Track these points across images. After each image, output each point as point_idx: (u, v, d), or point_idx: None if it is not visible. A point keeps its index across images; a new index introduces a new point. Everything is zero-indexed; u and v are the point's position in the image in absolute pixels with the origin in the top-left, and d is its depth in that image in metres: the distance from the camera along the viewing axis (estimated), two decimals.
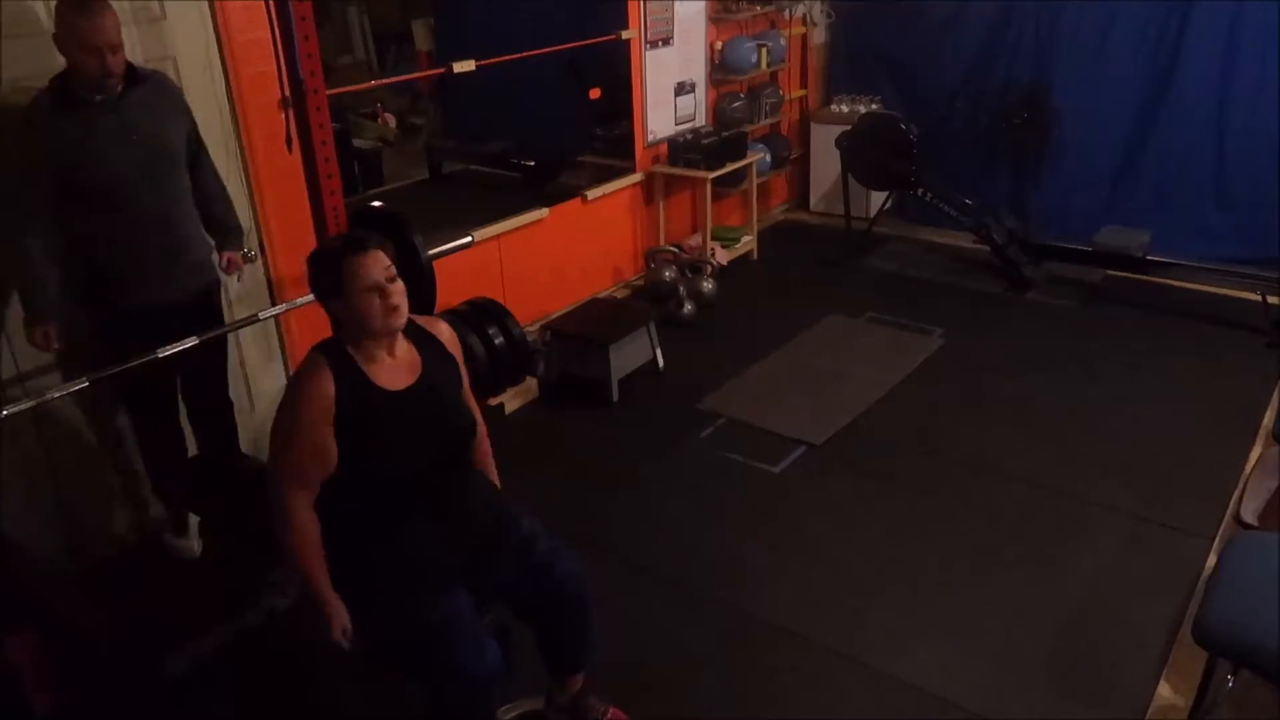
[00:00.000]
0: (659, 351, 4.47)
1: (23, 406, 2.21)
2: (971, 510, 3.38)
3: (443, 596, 2.03)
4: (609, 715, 2.41)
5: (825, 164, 6.42)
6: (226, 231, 3.05)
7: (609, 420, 4.12)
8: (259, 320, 2.91)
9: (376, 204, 3.28)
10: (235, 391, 3.55)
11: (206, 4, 3.17)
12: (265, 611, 2.93)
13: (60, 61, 2.56)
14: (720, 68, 5.74)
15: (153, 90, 2.71)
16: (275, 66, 3.23)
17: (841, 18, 6.52)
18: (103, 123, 2.56)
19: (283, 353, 3.69)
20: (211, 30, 3.20)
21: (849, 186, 5.89)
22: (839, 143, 5.80)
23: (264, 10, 3.05)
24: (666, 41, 5.33)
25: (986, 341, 4.71)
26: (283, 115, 3.24)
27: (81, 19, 2.45)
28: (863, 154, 5.71)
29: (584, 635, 2.31)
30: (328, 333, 2.71)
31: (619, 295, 5.33)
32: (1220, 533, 3.18)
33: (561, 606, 2.23)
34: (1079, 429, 3.87)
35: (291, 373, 3.70)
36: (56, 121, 2.51)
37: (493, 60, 4.37)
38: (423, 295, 2.87)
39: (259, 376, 3.60)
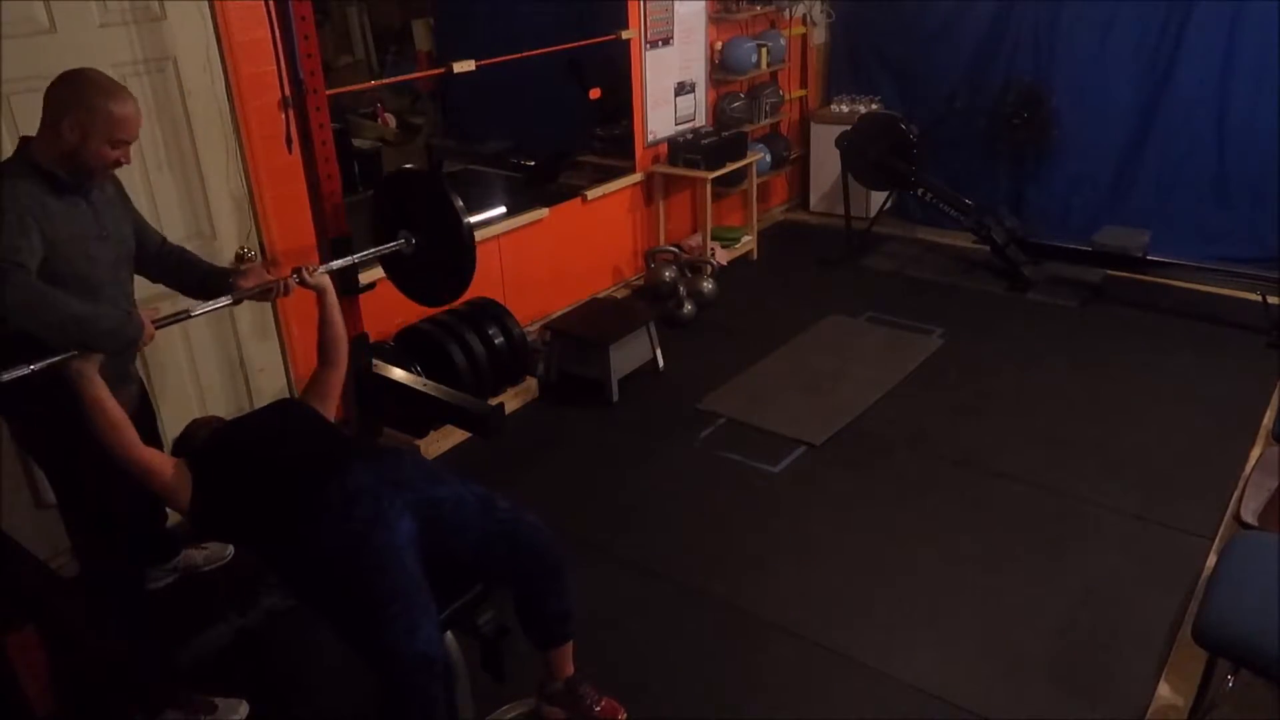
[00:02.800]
0: (659, 351, 4.47)
1: None
2: (971, 510, 3.38)
3: (386, 566, 1.99)
4: (602, 704, 2.41)
5: (825, 164, 6.42)
6: (220, 274, 2.66)
7: (609, 420, 4.12)
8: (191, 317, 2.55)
9: (409, 166, 3.19)
10: (235, 392, 3.56)
11: (206, 4, 3.17)
12: (265, 611, 2.94)
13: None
14: (720, 68, 5.74)
15: (114, 187, 2.46)
16: (275, 66, 3.24)
17: (841, 18, 6.52)
18: (83, 214, 2.28)
19: (283, 355, 3.69)
20: (211, 30, 3.20)
21: (849, 186, 5.89)
22: (839, 143, 5.80)
23: (264, 10, 3.06)
24: (666, 41, 5.33)
25: (986, 341, 4.71)
26: (283, 115, 3.24)
27: (116, 107, 2.19)
28: (863, 154, 5.71)
29: (563, 591, 2.29)
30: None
31: (619, 295, 5.33)
32: (1220, 533, 3.19)
33: (538, 559, 2.22)
34: (1079, 429, 3.87)
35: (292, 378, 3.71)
36: (48, 205, 2.19)
37: (493, 60, 4.37)
38: (464, 265, 2.85)
39: (256, 376, 3.60)
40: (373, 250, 3.03)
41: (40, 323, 2.11)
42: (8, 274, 2.07)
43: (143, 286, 2.84)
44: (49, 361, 2.07)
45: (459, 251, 2.89)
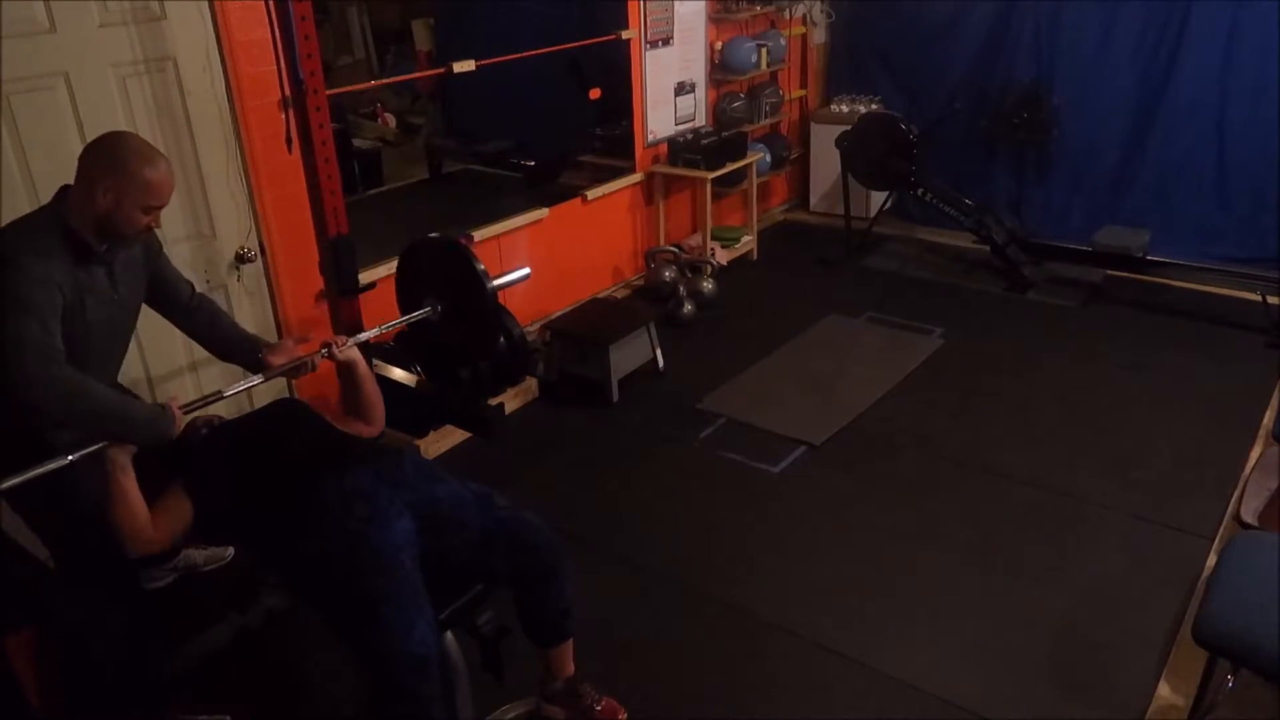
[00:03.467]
0: (659, 351, 4.47)
1: None
2: (971, 510, 3.38)
3: (382, 565, 1.99)
4: (603, 704, 2.41)
5: (825, 164, 6.42)
6: (248, 343, 2.63)
7: (609, 420, 4.12)
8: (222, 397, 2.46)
9: (434, 235, 3.18)
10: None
11: (206, 4, 3.17)
12: (265, 611, 2.93)
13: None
14: (720, 68, 5.74)
15: (141, 247, 2.43)
16: (275, 66, 3.24)
17: (841, 18, 6.52)
18: (98, 279, 2.28)
19: None
20: (211, 30, 3.20)
21: (849, 186, 5.89)
22: (839, 143, 5.80)
23: (264, 10, 3.06)
24: (666, 41, 5.33)
25: (986, 341, 4.71)
26: (283, 115, 3.24)
27: (154, 174, 2.18)
28: (863, 154, 5.71)
29: (562, 589, 2.28)
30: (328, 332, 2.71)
31: (619, 295, 5.33)
32: (1220, 533, 3.18)
33: (537, 557, 2.22)
34: (1079, 429, 3.87)
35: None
36: (73, 274, 2.19)
37: (493, 60, 4.37)
38: (489, 325, 2.92)
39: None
40: (403, 319, 3.05)
41: (75, 413, 2.11)
42: (48, 364, 2.07)
43: (165, 363, 2.84)
44: (87, 451, 2.07)
45: (483, 316, 2.92)
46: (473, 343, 3.05)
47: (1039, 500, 3.42)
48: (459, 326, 3.01)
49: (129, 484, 2.11)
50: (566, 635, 2.37)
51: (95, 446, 2.08)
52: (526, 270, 3.24)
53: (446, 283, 2.97)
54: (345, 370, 2.58)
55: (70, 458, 2.04)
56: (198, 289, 2.64)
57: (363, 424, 2.59)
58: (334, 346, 2.55)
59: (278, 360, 2.54)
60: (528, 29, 5.21)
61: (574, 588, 2.32)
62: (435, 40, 6.19)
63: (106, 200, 2.16)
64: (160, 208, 2.24)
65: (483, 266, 2.86)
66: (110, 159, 2.17)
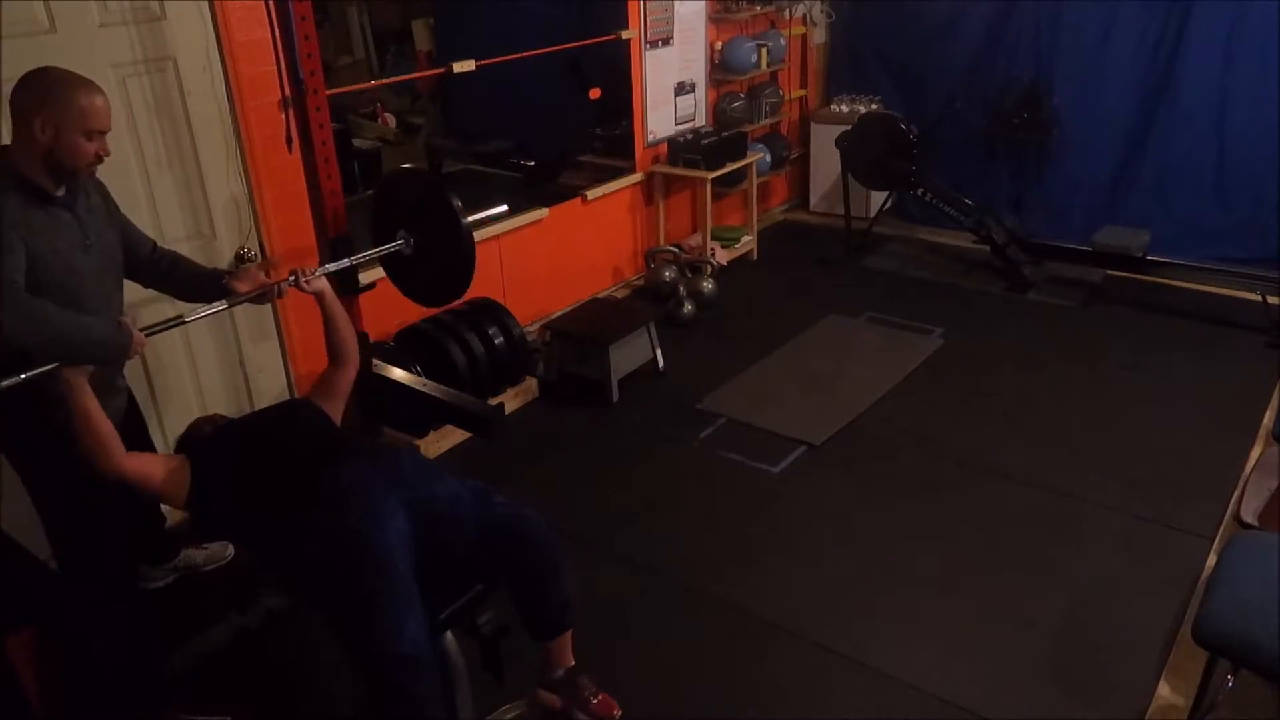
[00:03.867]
0: (659, 351, 4.47)
1: None
2: (971, 510, 3.38)
3: (379, 565, 1.99)
4: (599, 697, 2.41)
5: (825, 164, 6.42)
6: (213, 277, 2.62)
7: (609, 420, 4.12)
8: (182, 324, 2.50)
9: (408, 166, 3.19)
10: (235, 392, 3.55)
11: (206, 4, 3.17)
12: (265, 611, 2.93)
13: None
14: (720, 68, 5.74)
15: (99, 195, 2.42)
16: (275, 66, 3.24)
17: (841, 18, 6.52)
18: (66, 225, 2.25)
19: (283, 355, 3.69)
20: (211, 30, 3.20)
21: (849, 186, 5.89)
22: (839, 143, 5.80)
23: (264, 10, 3.06)
24: (666, 41, 5.33)
25: (986, 341, 4.71)
26: (283, 115, 3.25)
27: (86, 99, 2.17)
28: (863, 154, 5.71)
29: (562, 582, 2.28)
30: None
31: (619, 295, 5.33)
32: (1220, 533, 3.18)
33: (535, 551, 2.21)
34: (1079, 429, 3.87)
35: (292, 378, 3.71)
36: (31, 217, 2.18)
37: (493, 60, 4.37)
38: (464, 265, 2.88)
39: (257, 376, 3.60)
40: (371, 252, 3.03)
41: (31, 337, 2.09)
42: (2, 288, 2.05)
43: (134, 290, 2.83)
44: (40, 370, 2.06)
45: (458, 251, 2.90)
46: (448, 275, 3.02)
47: (1039, 500, 3.42)
48: (433, 259, 2.99)
49: (89, 402, 2.12)
50: (566, 627, 2.37)
51: (47, 367, 2.07)
52: (504, 207, 3.32)
53: (421, 217, 2.95)
54: (320, 308, 2.59)
55: (23, 375, 2.03)
56: None
57: (335, 368, 2.60)
58: (301, 277, 2.55)
59: (243, 287, 2.54)
60: (528, 29, 5.21)
61: (573, 581, 2.31)
62: (435, 40, 6.19)
63: (46, 134, 2.15)
64: (102, 132, 2.22)
65: (458, 202, 2.85)
66: (39, 93, 2.15)
